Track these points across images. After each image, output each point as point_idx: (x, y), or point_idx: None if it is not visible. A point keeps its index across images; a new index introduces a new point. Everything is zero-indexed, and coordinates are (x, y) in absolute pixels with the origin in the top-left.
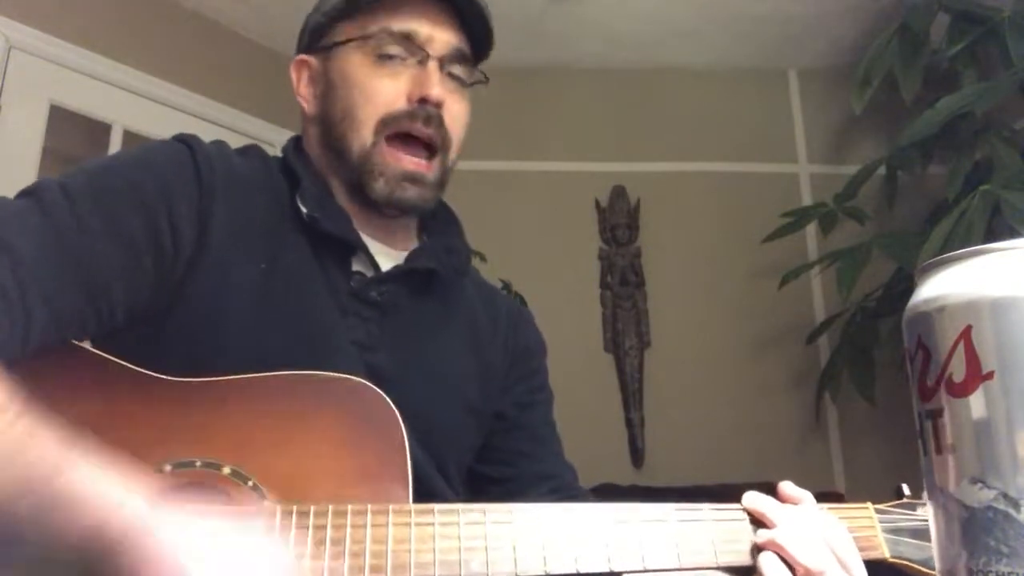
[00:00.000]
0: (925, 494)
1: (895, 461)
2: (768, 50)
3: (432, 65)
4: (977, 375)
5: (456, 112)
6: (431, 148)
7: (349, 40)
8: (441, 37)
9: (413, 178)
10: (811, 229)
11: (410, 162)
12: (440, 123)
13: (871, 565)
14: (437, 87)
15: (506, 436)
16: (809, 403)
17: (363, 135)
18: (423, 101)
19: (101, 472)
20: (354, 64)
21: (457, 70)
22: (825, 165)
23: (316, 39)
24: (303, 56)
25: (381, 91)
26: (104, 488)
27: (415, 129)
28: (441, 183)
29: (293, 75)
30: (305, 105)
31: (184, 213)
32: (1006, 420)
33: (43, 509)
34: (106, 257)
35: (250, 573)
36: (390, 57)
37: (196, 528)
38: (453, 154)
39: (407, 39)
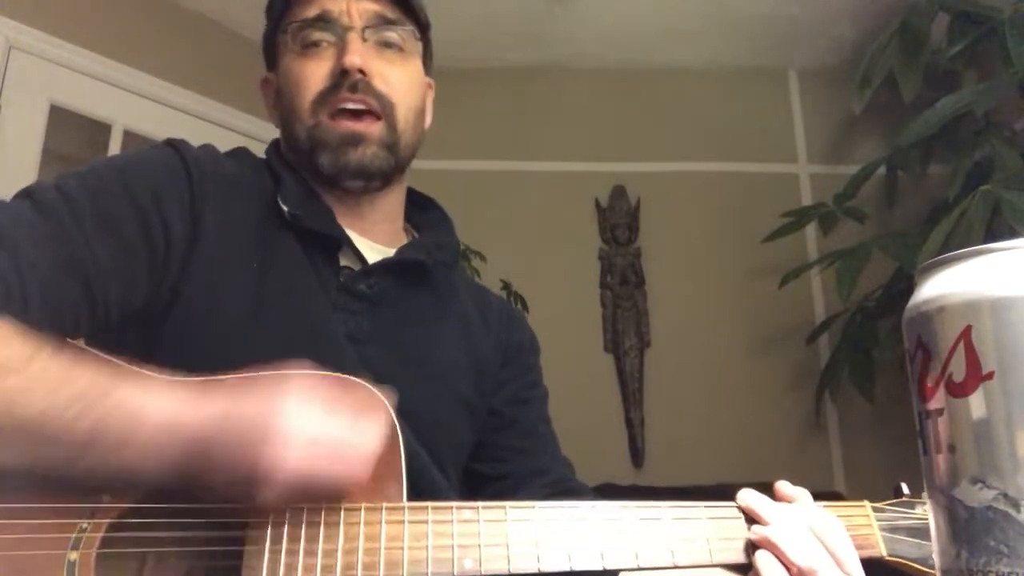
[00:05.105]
0: (924, 493)
1: (895, 461)
2: (768, 50)
3: (350, 36)
4: (977, 375)
5: (389, 75)
6: (374, 115)
7: (279, 44)
8: (357, 7)
9: (353, 139)
10: (811, 229)
11: (345, 125)
12: (368, 88)
13: (868, 563)
14: (353, 55)
15: (501, 433)
16: (809, 403)
17: (305, 121)
18: (344, 73)
19: (152, 381)
20: (286, 63)
21: (387, 35)
22: (825, 165)
23: (268, 56)
24: (265, 75)
25: (308, 76)
26: (163, 391)
27: (344, 100)
28: (393, 145)
29: (263, 96)
30: (272, 119)
31: (176, 214)
32: (1006, 420)
33: (106, 424)
34: (102, 255)
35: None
36: (314, 45)
37: (269, 396)
38: (402, 117)
39: (321, 20)
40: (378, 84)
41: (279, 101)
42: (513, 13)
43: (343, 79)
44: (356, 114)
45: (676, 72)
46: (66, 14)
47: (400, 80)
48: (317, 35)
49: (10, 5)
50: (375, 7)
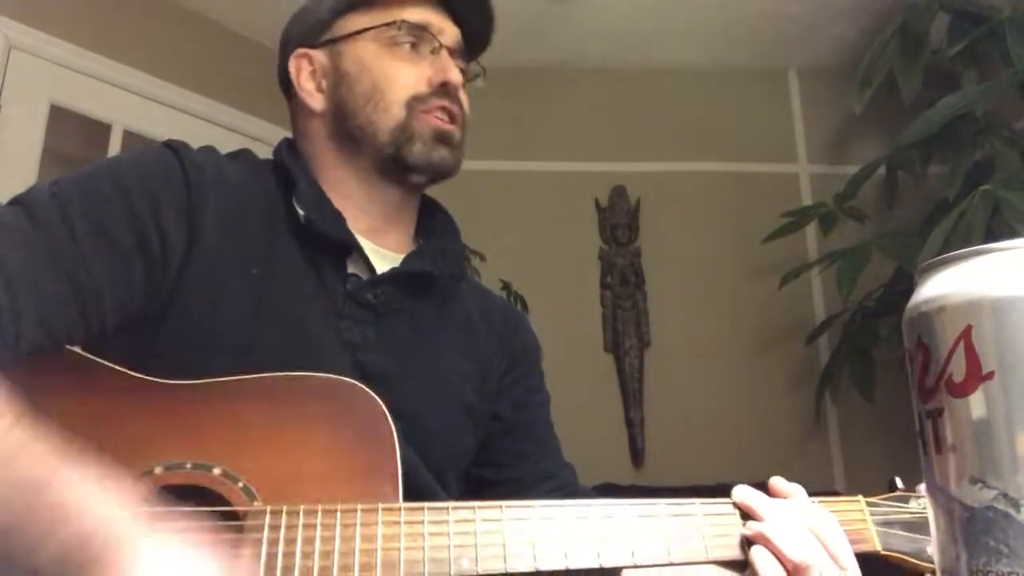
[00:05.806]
0: (919, 487)
1: (895, 461)
2: (768, 50)
3: (447, 54)
4: (977, 375)
5: (465, 99)
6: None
7: (365, 30)
8: (450, 30)
9: (444, 137)
10: (811, 229)
11: (439, 120)
12: (459, 102)
13: (863, 558)
14: (456, 72)
15: (504, 438)
16: (809, 403)
17: (394, 112)
18: (443, 85)
19: (92, 484)
20: (371, 52)
21: (461, 64)
22: (825, 165)
23: (317, 33)
24: (304, 49)
25: (406, 73)
26: (94, 500)
27: (443, 106)
28: (462, 151)
29: (292, 69)
30: (309, 99)
31: (172, 220)
32: (1006, 420)
33: (31, 517)
34: (96, 265)
35: None
36: (406, 45)
37: (173, 549)
38: (466, 130)
39: (422, 30)
40: (462, 99)
41: (340, 88)
42: (513, 13)
43: (444, 89)
44: (450, 117)
45: (676, 72)
46: (66, 14)
47: (467, 104)
48: (410, 39)
49: (10, 5)
50: (458, 35)
